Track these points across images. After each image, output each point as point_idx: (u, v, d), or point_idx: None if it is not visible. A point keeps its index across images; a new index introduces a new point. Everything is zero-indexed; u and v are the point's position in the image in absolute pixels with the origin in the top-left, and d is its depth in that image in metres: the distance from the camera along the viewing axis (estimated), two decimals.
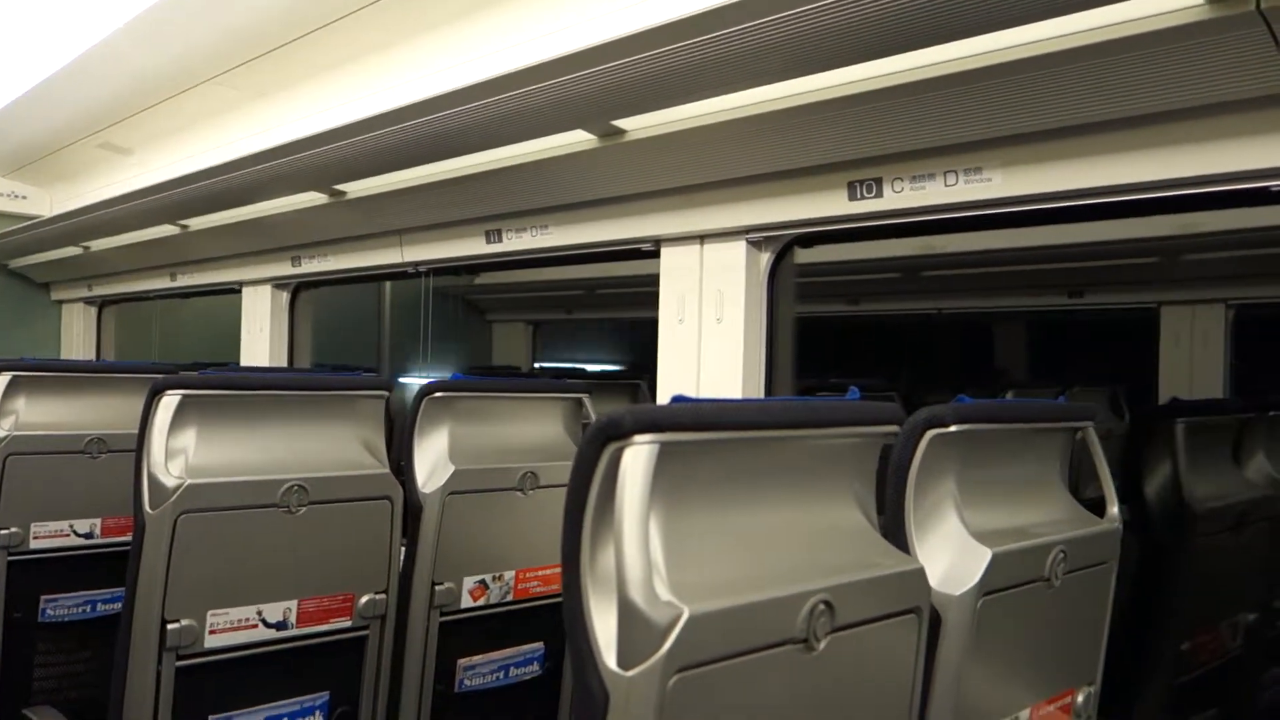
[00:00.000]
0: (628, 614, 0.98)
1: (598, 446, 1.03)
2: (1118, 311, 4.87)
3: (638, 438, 1.01)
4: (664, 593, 1.00)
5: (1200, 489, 2.06)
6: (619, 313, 6.78)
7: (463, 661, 2.41)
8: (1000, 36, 1.61)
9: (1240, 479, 2.26)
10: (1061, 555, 1.50)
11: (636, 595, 0.97)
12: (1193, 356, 4.35)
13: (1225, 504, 2.10)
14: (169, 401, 1.94)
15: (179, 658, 1.94)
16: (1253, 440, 2.32)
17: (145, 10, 3.11)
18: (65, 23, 3.53)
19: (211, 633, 1.98)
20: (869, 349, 6.18)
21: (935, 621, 1.34)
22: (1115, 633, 1.70)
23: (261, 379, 2.15)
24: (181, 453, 1.96)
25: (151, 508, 1.91)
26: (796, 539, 1.20)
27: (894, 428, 1.33)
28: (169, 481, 1.91)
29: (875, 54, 1.72)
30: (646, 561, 0.99)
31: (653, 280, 2.61)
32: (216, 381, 2.03)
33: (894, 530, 1.36)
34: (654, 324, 2.60)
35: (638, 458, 1.01)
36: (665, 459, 1.03)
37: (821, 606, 1.12)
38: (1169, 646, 2.02)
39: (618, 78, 1.94)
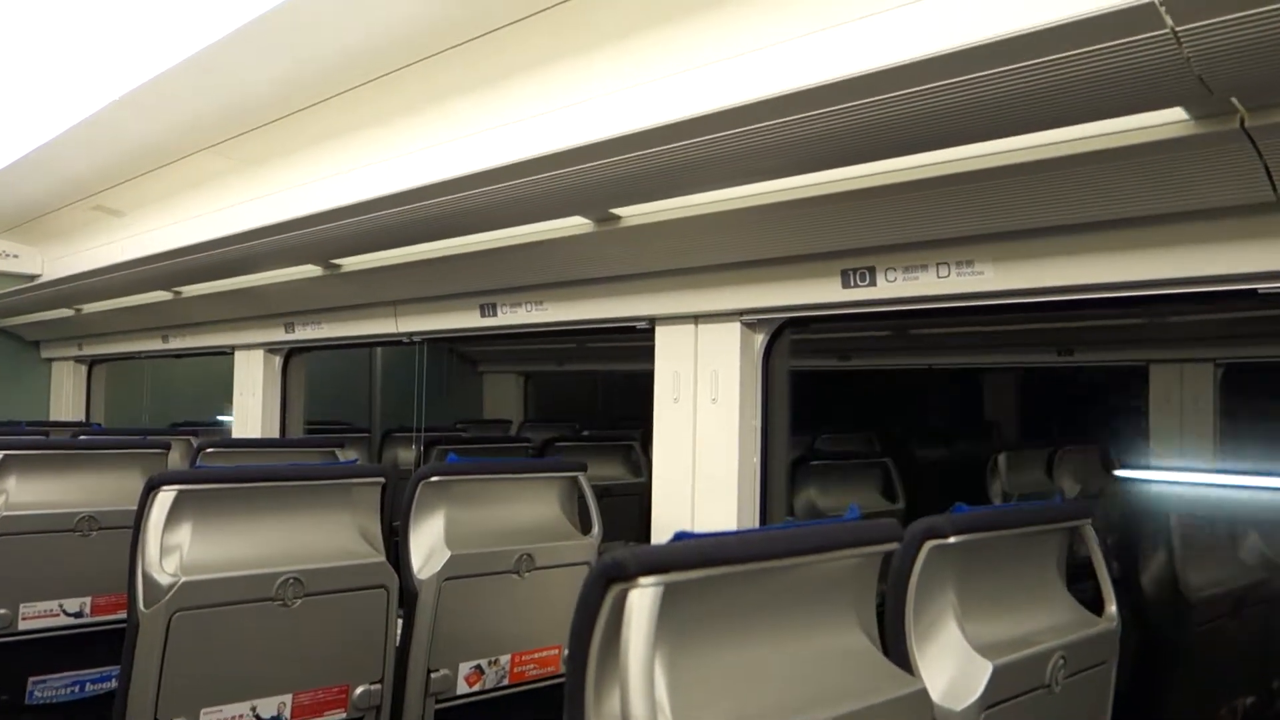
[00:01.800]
0: None
1: (601, 588, 1.03)
2: (1108, 367, 4.92)
3: (642, 580, 1.02)
4: None
5: (1197, 577, 2.06)
6: (609, 365, 6.80)
7: None
8: (994, 143, 1.64)
9: (1236, 563, 2.27)
10: (1062, 661, 1.50)
11: None
12: (1183, 414, 4.38)
13: (1222, 591, 2.11)
14: (164, 498, 1.94)
15: None
16: (1245, 522, 2.33)
17: (143, 84, 3.13)
18: (63, 92, 3.55)
19: None
20: (860, 403, 6.19)
21: None
22: None
23: (258, 470, 2.15)
24: (176, 549, 1.96)
25: (145, 606, 1.89)
26: (799, 669, 1.19)
27: (893, 545, 1.33)
28: (163, 580, 1.89)
29: (868, 158, 1.75)
30: (652, 705, 0.99)
31: (643, 335, 2.63)
32: (213, 475, 2.02)
33: (895, 645, 1.36)
34: (645, 376, 2.61)
35: (643, 600, 1.01)
36: (670, 599, 1.03)
37: None
38: None
39: (616, 172, 1.96)
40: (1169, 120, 1.47)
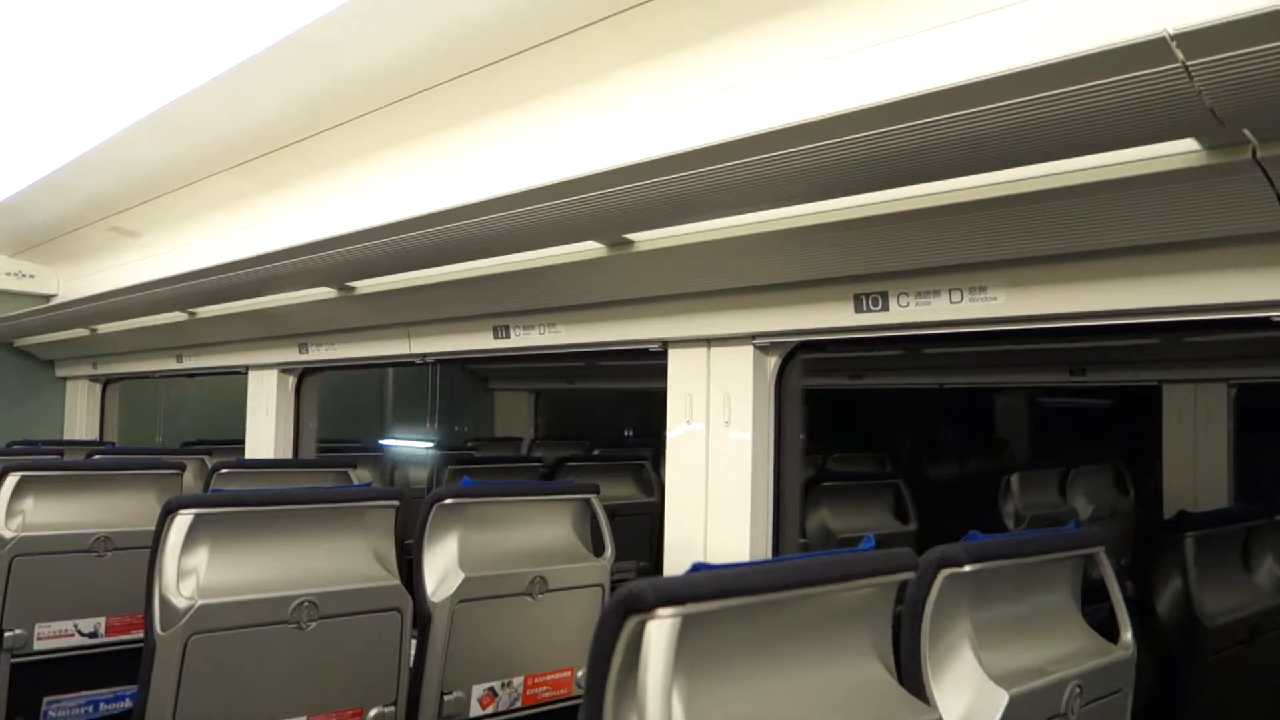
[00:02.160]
0: None
1: (619, 619, 1.04)
2: (1121, 387, 4.91)
3: (660, 611, 1.02)
4: None
5: (1212, 604, 2.06)
6: (620, 383, 6.82)
7: None
8: (1009, 171, 1.65)
9: (1251, 587, 2.26)
10: (1078, 689, 1.50)
11: None
12: (1196, 434, 4.36)
13: (1238, 618, 2.10)
14: (182, 521, 1.95)
15: None
16: (1261, 545, 2.32)
17: (160, 108, 3.17)
18: (81, 114, 3.60)
19: None
20: (871, 422, 6.19)
21: None
22: None
23: (274, 494, 2.16)
24: (193, 572, 1.97)
25: (162, 629, 1.91)
26: (816, 698, 1.20)
27: (909, 574, 1.34)
28: (180, 603, 1.91)
29: (882, 186, 1.76)
30: None
31: (653, 354, 2.63)
32: (230, 499, 2.04)
33: (911, 675, 1.36)
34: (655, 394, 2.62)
35: (661, 631, 1.02)
36: (687, 630, 1.03)
37: None
38: None
39: (630, 199, 1.98)
40: (1181, 150, 1.48)
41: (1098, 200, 1.62)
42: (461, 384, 7.37)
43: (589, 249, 2.41)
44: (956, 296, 1.98)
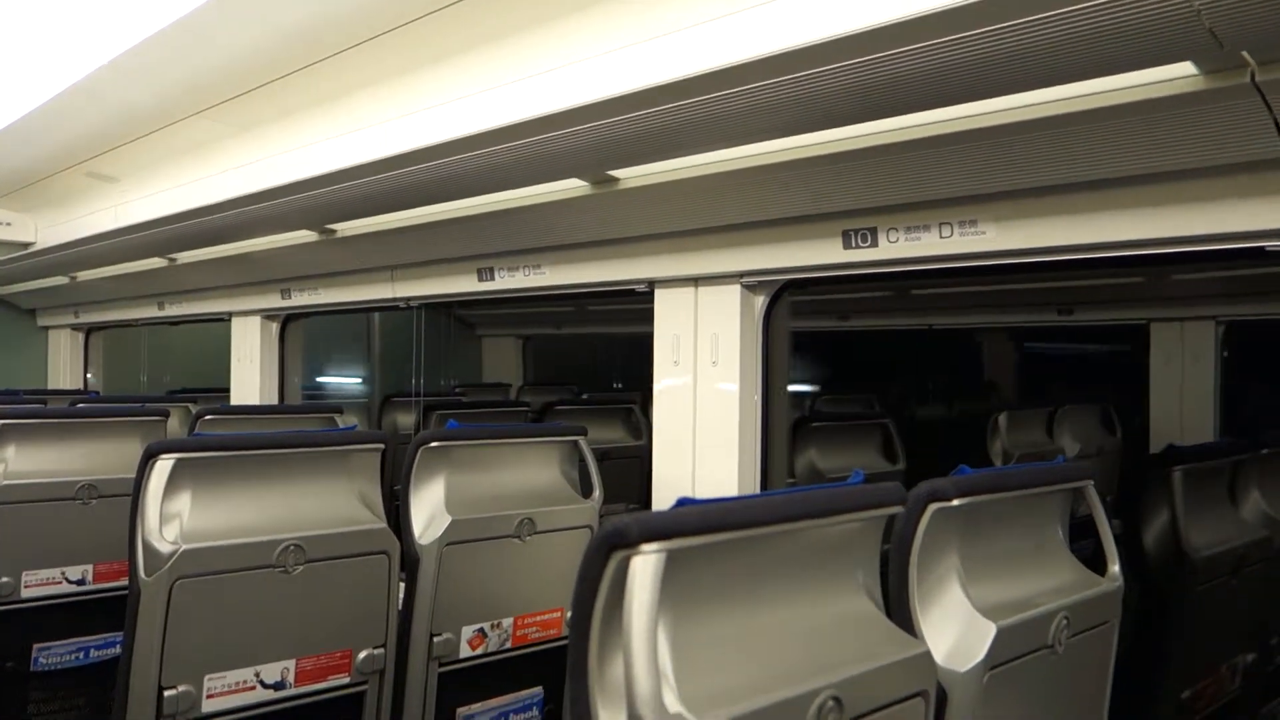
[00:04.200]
0: None
1: (604, 555, 1.02)
2: (1108, 327, 4.90)
3: (644, 546, 1.01)
4: (674, 704, 1.00)
5: (1198, 537, 2.06)
6: (608, 328, 6.79)
7: (462, 710, 2.40)
8: (999, 100, 1.61)
9: (1237, 521, 2.27)
10: (1065, 621, 1.50)
11: (647, 711, 0.96)
12: (1184, 373, 4.37)
13: (1224, 550, 2.11)
14: (163, 466, 1.93)
15: None
16: (1247, 480, 2.32)
17: (131, 47, 3.08)
18: (52, 58, 3.50)
19: (209, 697, 1.96)
20: (860, 363, 6.19)
21: (941, 698, 1.33)
22: (1117, 684, 1.70)
23: (257, 439, 2.13)
24: (176, 516, 1.95)
25: (146, 574, 1.89)
26: (803, 634, 1.19)
27: (897, 508, 1.33)
28: (164, 548, 1.89)
29: (870, 117, 1.72)
30: (655, 673, 0.98)
31: (642, 298, 2.61)
32: (211, 443, 2.01)
33: (898, 609, 1.36)
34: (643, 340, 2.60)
35: (645, 567, 1.00)
36: (672, 566, 1.02)
37: (830, 703, 1.11)
38: (1170, 695, 2.02)
39: (612, 133, 1.93)
40: (1177, 75, 1.44)
41: (1091, 129, 1.58)
42: (447, 330, 7.32)
43: (573, 187, 2.37)
44: (946, 231, 1.95)
